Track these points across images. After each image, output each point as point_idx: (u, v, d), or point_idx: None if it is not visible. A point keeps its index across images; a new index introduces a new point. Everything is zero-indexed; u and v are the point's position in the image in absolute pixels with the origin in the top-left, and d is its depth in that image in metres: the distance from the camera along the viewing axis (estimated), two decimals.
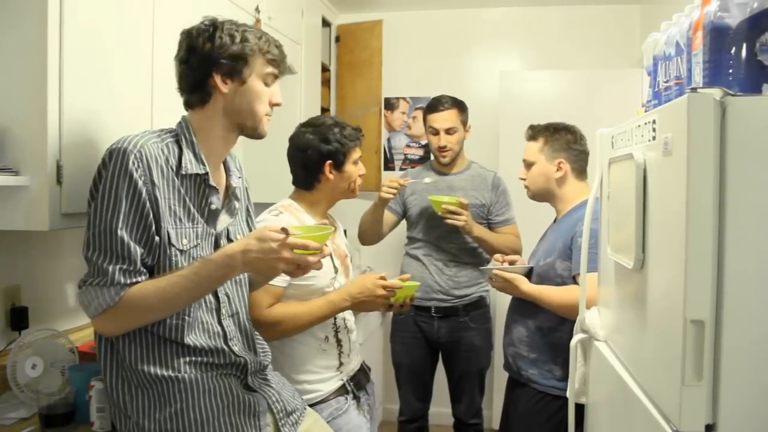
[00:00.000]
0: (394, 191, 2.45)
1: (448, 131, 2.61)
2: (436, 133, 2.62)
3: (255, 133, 1.40)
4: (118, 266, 1.19)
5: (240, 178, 1.50)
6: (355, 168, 1.87)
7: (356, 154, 1.87)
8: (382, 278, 1.79)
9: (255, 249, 1.22)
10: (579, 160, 2.06)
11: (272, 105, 1.40)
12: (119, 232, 1.19)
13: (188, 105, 1.37)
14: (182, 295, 1.23)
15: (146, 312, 1.22)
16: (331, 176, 1.83)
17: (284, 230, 1.22)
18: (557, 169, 2.04)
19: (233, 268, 1.24)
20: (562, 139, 2.05)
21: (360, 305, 1.78)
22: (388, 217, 2.68)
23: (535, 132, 2.12)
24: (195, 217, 1.30)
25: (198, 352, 1.30)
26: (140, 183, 1.20)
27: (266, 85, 1.37)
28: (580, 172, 2.07)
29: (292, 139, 1.88)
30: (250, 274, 1.49)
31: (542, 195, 2.10)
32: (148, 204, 1.21)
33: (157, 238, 1.23)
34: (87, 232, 1.21)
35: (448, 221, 2.46)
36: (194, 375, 1.29)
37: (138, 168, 1.20)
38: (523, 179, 2.14)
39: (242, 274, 1.43)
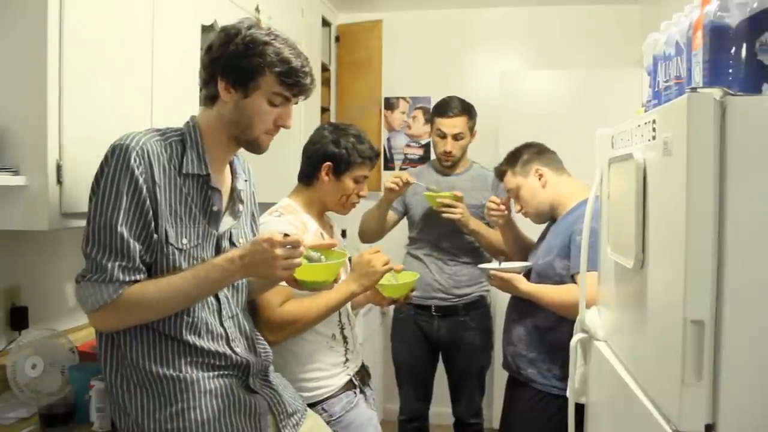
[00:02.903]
0: (399, 182, 2.44)
1: (456, 137, 2.61)
2: (444, 136, 2.62)
3: (250, 148, 1.37)
4: (117, 263, 1.19)
5: (246, 181, 1.49)
6: (353, 185, 1.84)
7: (361, 171, 1.84)
8: (376, 252, 1.79)
9: (249, 253, 1.23)
10: (550, 160, 2.10)
11: (278, 126, 1.35)
12: (119, 228, 1.18)
13: (201, 100, 1.37)
14: (181, 296, 1.23)
15: (144, 310, 1.22)
16: (326, 179, 1.82)
17: (285, 235, 1.22)
18: (539, 178, 2.07)
19: (233, 272, 1.24)
20: (524, 155, 2.12)
21: (364, 280, 1.76)
22: (390, 215, 2.68)
23: (501, 169, 2.20)
24: (196, 217, 1.30)
25: (200, 352, 1.30)
26: (141, 180, 1.20)
27: (272, 104, 1.31)
28: (558, 167, 2.11)
29: (314, 132, 1.90)
30: (255, 280, 1.49)
31: (544, 211, 2.11)
32: (148, 201, 1.21)
33: (155, 236, 1.23)
34: (87, 227, 1.21)
35: (444, 215, 2.47)
36: (195, 375, 1.29)
37: (139, 165, 1.20)
38: (520, 210, 2.18)
39: (241, 280, 1.42)
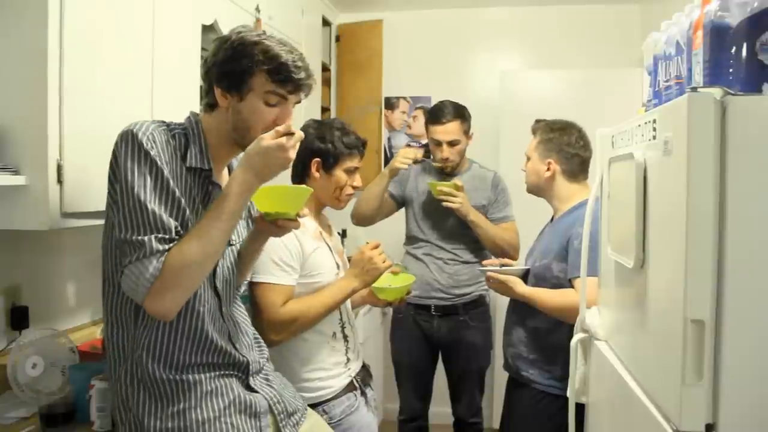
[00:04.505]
0: (409, 162, 2.49)
1: (451, 143, 2.60)
2: (439, 144, 2.61)
3: None
4: (153, 235, 1.15)
5: None
6: (345, 176, 1.84)
7: (351, 162, 1.84)
8: (376, 247, 1.80)
9: (262, 164, 1.20)
10: (572, 162, 2.02)
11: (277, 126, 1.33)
12: (149, 205, 1.16)
13: (202, 108, 1.36)
14: (216, 234, 1.20)
15: (190, 269, 1.18)
16: (317, 175, 1.82)
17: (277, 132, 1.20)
18: (547, 169, 2.03)
19: (249, 190, 1.22)
20: (558, 140, 2.03)
21: (364, 276, 1.77)
22: (387, 201, 2.69)
23: (535, 127, 2.12)
24: (198, 209, 1.30)
25: (207, 347, 1.30)
26: (158, 160, 1.19)
27: (269, 104, 1.29)
28: (573, 174, 2.03)
29: None
30: (243, 252, 1.48)
31: (536, 190, 2.11)
32: (170, 181, 1.20)
33: (187, 212, 1.21)
34: (117, 215, 1.18)
35: (444, 204, 2.48)
36: (197, 376, 1.29)
37: (152, 148, 1.19)
38: (524, 171, 2.15)
39: (229, 276, 1.41)
